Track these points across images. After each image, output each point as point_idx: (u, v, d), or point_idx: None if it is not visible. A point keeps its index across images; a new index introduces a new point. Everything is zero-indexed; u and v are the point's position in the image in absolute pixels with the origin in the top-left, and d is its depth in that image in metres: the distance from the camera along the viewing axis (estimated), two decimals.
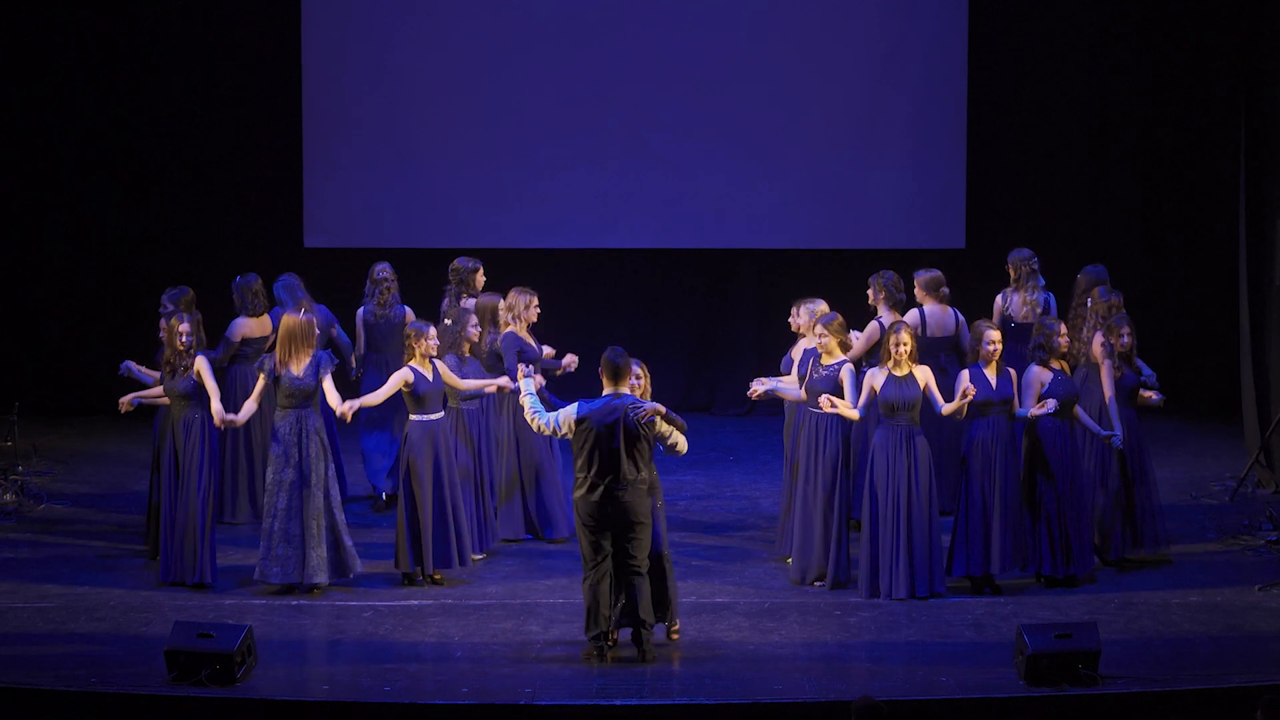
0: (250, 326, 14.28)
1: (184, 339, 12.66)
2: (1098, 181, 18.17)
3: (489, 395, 13.52)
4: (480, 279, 14.50)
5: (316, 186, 17.96)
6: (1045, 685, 10.63)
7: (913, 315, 14.05)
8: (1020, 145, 18.17)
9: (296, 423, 12.48)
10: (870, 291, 13.96)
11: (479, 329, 13.50)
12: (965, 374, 12.58)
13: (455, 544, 12.71)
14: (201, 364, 12.66)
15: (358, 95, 17.85)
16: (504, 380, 13.15)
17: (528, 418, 11.50)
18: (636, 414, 11.15)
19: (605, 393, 11.29)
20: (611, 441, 11.14)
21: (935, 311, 14.13)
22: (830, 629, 11.86)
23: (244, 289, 14.32)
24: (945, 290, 14.17)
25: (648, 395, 11.55)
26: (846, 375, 12.56)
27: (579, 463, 11.22)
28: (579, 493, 11.21)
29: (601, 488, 11.15)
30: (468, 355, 13.42)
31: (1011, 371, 12.66)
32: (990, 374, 12.55)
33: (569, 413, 11.30)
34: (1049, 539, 12.58)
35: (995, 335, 12.59)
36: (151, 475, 13.30)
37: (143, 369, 13.44)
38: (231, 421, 12.58)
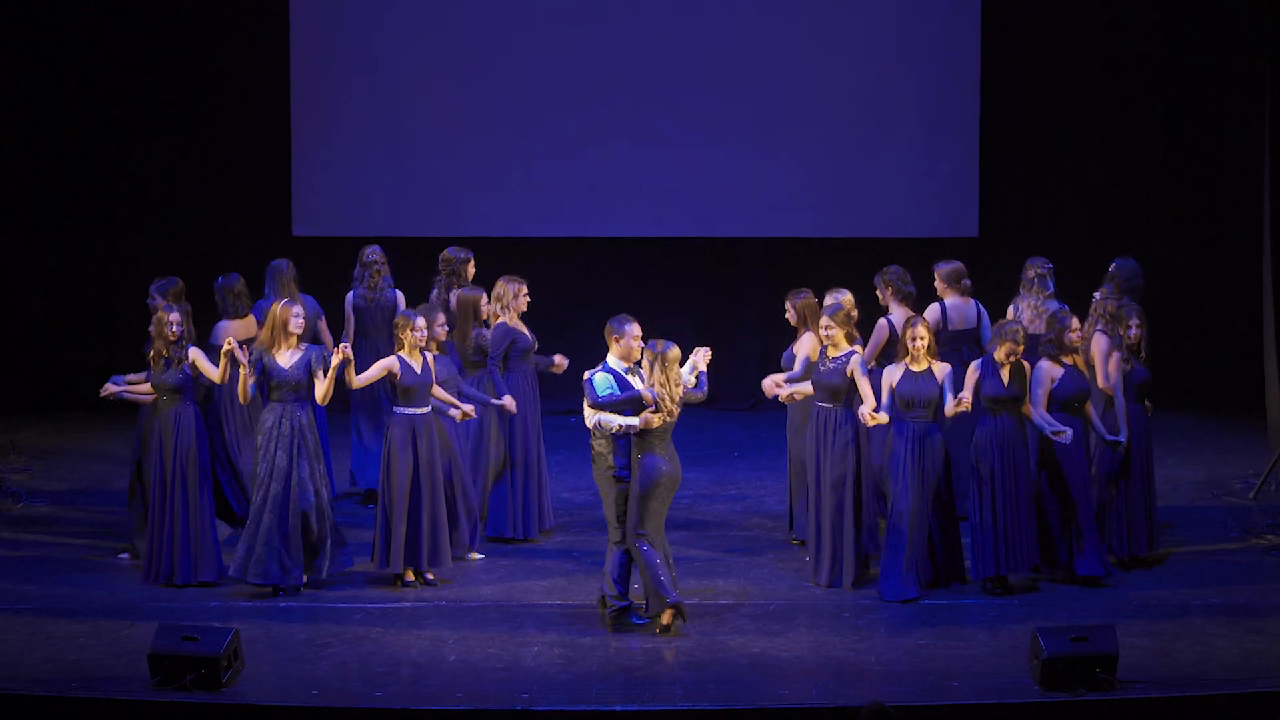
0: (234, 329, 14.17)
1: (174, 329, 12.67)
2: (1116, 169, 18.16)
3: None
4: (471, 270, 14.47)
5: (305, 174, 17.96)
6: (1061, 690, 10.63)
7: (934, 309, 14.02)
8: (1035, 131, 18.16)
9: (283, 417, 12.45)
10: (879, 292, 13.92)
11: (445, 328, 13.39)
12: (975, 365, 12.59)
13: (436, 542, 12.68)
14: (196, 355, 12.65)
15: (348, 80, 17.86)
16: (469, 409, 13.02)
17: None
18: None
19: None
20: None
21: (957, 304, 14.10)
22: (839, 632, 11.86)
23: (225, 290, 14.20)
24: (967, 282, 14.13)
25: (652, 381, 11.72)
26: (856, 366, 12.56)
27: None
28: None
29: None
30: (436, 353, 13.30)
31: (1025, 364, 12.65)
32: (1004, 372, 12.53)
33: None
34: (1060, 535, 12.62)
35: (1015, 350, 12.56)
36: (137, 473, 13.24)
37: (127, 385, 13.19)
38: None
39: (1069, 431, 12.47)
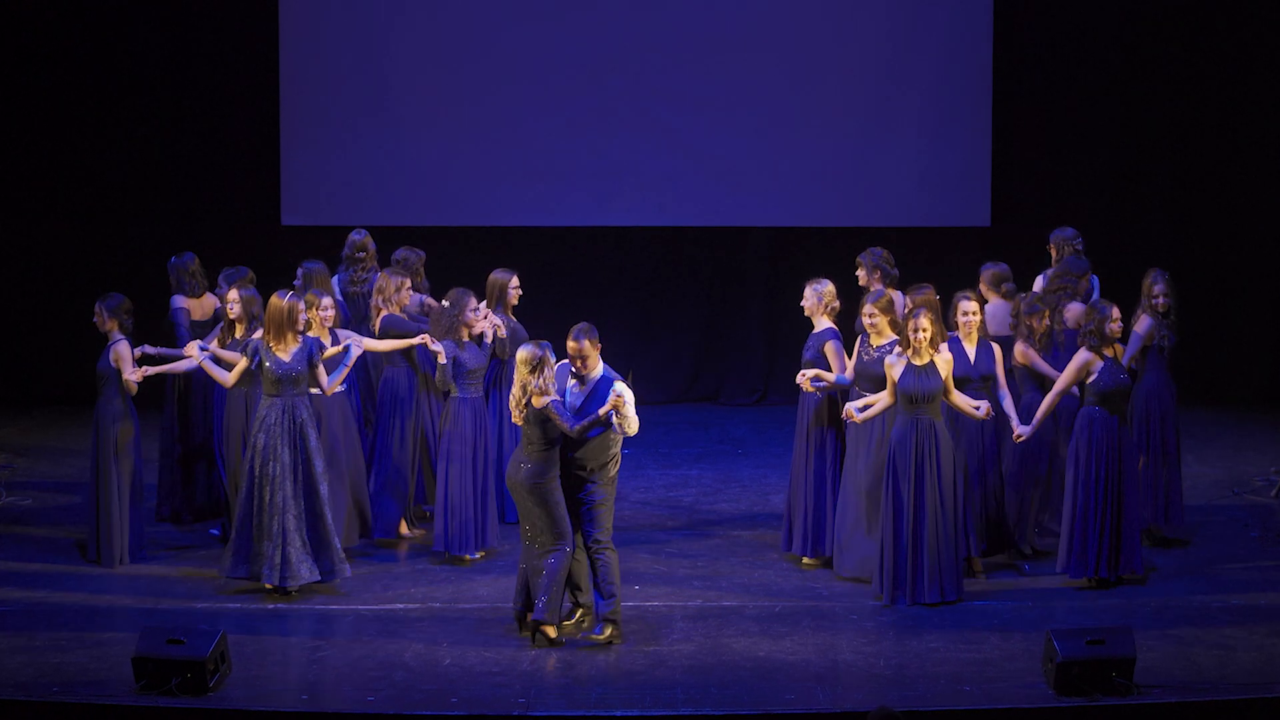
0: (189, 308, 14.25)
1: (233, 308, 13.06)
2: (1131, 156, 18.17)
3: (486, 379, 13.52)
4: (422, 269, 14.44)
5: (294, 162, 17.95)
6: (1076, 694, 10.63)
7: None
8: (1049, 117, 18.16)
9: (284, 412, 12.40)
10: (861, 273, 13.85)
11: (478, 313, 13.33)
12: (944, 348, 12.45)
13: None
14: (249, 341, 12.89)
15: (338, 66, 17.85)
16: (425, 337, 13.09)
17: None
18: None
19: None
20: None
21: (998, 307, 14.05)
22: (846, 634, 11.85)
23: (180, 270, 14.29)
24: (1009, 285, 14.04)
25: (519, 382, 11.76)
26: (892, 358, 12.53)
27: None
28: None
29: None
30: (466, 340, 13.29)
31: (995, 346, 12.66)
32: (969, 347, 12.55)
33: None
34: (1104, 537, 12.53)
35: (971, 306, 12.60)
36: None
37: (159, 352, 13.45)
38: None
39: (1024, 431, 12.54)
